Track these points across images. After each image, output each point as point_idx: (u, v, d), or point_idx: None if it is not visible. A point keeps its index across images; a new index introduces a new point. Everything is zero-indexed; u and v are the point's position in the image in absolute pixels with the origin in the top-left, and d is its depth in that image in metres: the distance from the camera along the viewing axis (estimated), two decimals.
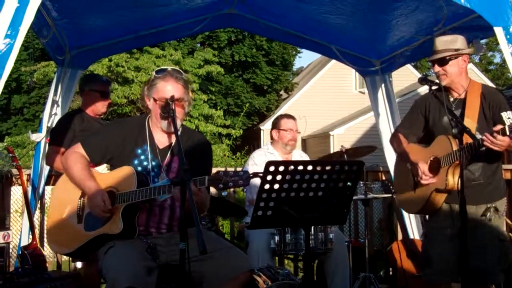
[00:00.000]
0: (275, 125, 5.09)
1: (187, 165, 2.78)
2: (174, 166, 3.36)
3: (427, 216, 4.26)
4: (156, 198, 3.20)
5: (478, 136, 3.36)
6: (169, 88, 3.25)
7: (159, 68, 3.42)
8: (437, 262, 3.65)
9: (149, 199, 3.17)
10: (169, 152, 3.37)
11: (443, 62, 3.62)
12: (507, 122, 3.27)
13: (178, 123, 3.22)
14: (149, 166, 3.31)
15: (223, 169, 3.06)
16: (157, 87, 3.29)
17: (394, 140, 4.02)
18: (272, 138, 5.14)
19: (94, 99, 4.83)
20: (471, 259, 3.30)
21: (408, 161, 3.83)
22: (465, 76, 3.69)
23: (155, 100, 3.29)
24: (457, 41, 3.63)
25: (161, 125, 3.31)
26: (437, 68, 3.65)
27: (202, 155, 3.46)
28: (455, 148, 3.45)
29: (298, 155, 5.20)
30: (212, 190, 5.36)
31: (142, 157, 3.33)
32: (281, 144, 5.02)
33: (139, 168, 3.30)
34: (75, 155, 3.35)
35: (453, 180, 3.51)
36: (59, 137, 4.70)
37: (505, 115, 3.37)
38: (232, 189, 6.21)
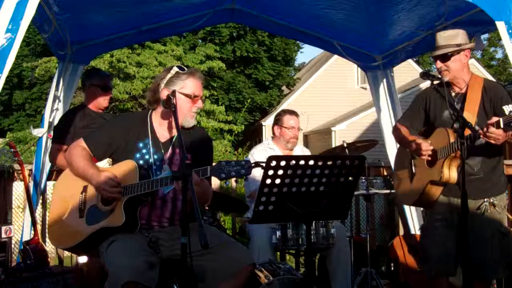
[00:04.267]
0: (277, 121, 5.07)
1: (189, 159, 2.80)
2: (177, 159, 3.38)
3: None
4: (160, 190, 3.22)
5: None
6: (199, 86, 3.37)
7: (179, 65, 3.47)
8: (432, 255, 3.65)
9: (151, 192, 3.19)
10: (171, 145, 3.39)
11: (445, 58, 3.62)
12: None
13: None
14: (151, 160, 3.34)
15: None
16: (186, 83, 3.34)
17: (396, 131, 4.03)
18: (273, 133, 5.12)
19: (95, 93, 4.84)
20: (470, 254, 3.29)
21: (407, 145, 3.83)
22: (467, 70, 3.69)
23: (184, 94, 3.33)
24: (458, 36, 3.62)
25: (184, 120, 3.37)
26: (439, 64, 3.65)
27: (203, 149, 3.49)
28: (452, 140, 3.45)
29: (300, 150, 5.19)
30: (215, 185, 5.37)
31: (144, 150, 3.36)
32: (283, 141, 5.01)
33: (141, 162, 3.32)
34: (78, 149, 3.38)
35: (448, 172, 3.51)
36: (61, 134, 4.72)
37: (507, 108, 3.35)
38: (233, 185, 6.22)
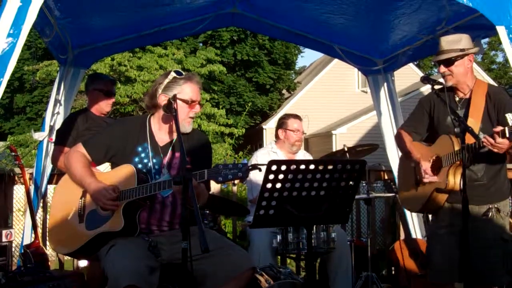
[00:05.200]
0: (282, 125, 5.07)
1: (188, 163, 2.80)
2: (176, 163, 3.38)
3: (430, 216, 4.25)
4: (159, 194, 3.21)
5: (481, 136, 3.34)
6: (196, 91, 3.37)
7: (176, 70, 3.46)
8: (438, 262, 3.64)
9: (150, 196, 3.19)
10: (170, 149, 3.39)
11: (448, 62, 3.60)
12: (511, 124, 3.24)
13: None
14: (150, 164, 3.34)
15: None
16: (183, 88, 3.33)
17: (399, 138, 4.01)
18: (277, 137, 5.11)
19: (98, 98, 4.88)
20: (473, 260, 3.27)
21: (411, 160, 3.82)
22: (470, 75, 3.67)
23: (182, 100, 3.31)
24: (462, 41, 3.60)
25: (187, 127, 3.37)
26: (442, 68, 3.63)
27: (202, 153, 3.48)
28: (456, 148, 3.43)
29: (302, 155, 5.20)
30: (215, 188, 5.37)
31: (143, 154, 3.35)
32: (287, 144, 5.01)
33: (140, 166, 3.32)
34: (76, 154, 3.38)
35: (453, 180, 3.50)
36: (63, 137, 4.74)
37: (509, 116, 3.33)
38: (234, 188, 6.22)
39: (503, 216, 3.59)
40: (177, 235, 3.12)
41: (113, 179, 3.30)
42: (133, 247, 3.12)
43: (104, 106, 4.90)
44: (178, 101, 3.29)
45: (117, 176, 3.29)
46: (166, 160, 3.37)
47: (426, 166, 3.64)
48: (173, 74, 3.37)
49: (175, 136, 3.39)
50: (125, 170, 3.28)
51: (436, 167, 3.64)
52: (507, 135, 3.13)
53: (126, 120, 3.89)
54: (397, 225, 6.17)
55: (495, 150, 3.24)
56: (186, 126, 3.36)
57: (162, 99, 3.34)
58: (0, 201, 5.54)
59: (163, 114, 3.36)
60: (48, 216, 5.30)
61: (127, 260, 3.00)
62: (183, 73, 3.42)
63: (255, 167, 2.92)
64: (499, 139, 3.17)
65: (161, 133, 3.43)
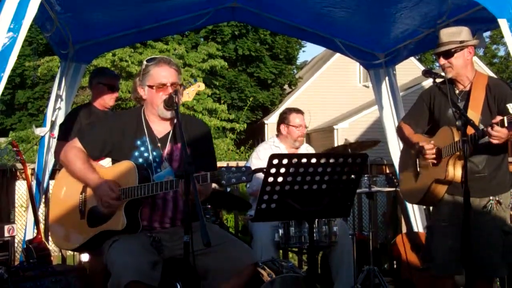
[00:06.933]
0: (284, 120, 5.02)
1: (188, 152, 2.77)
2: (176, 154, 3.33)
3: (431, 209, 4.25)
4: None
5: (481, 128, 3.33)
6: (163, 74, 3.25)
7: (149, 57, 3.39)
8: (438, 254, 3.64)
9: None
10: (168, 140, 3.34)
11: (448, 54, 3.60)
12: None
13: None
14: (150, 157, 3.28)
15: (225, 164, 3.06)
16: (151, 74, 3.27)
17: (400, 130, 4.01)
18: (279, 131, 5.08)
19: (102, 92, 4.86)
20: (473, 253, 3.27)
21: (411, 146, 3.82)
22: (470, 68, 3.67)
23: (150, 87, 3.27)
24: (461, 33, 3.61)
25: (158, 111, 3.29)
26: (442, 60, 3.63)
27: (201, 140, 3.41)
28: (456, 138, 3.43)
29: (305, 149, 5.16)
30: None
31: (142, 148, 3.29)
32: (290, 139, 4.97)
33: (140, 160, 3.27)
34: (74, 150, 3.31)
35: (453, 170, 3.49)
36: (66, 132, 4.74)
37: (510, 106, 3.33)
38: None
39: (504, 208, 3.59)
40: (179, 232, 3.10)
41: (113, 175, 3.24)
42: (135, 243, 3.09)
43: (107, 101, 4.89)
44: (149, 88, 3.27)
45: (117, 173, 3.24)
46: (166, 152, 3.32)
47: (426, 145, 3.62)
48: (144, 63, 3.33)
49: (171, 127, 3.35)
50: (125, 166, 3.22)
51: (437, 159, 3.63)
52: (506, 124, 3.12)
53: (122, 113, 3.84)
54: (399, 219, 6.18)
55: (495, 141, 3.23)
56: (165, 111, 3.27)
57: (140, 91, 3.32)
58: (3, 197, 5.56)
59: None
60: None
61: (129, 256, 2.98)
62: (156, 57, 3.35)
63: (259, 170, 2.92)
64: (496, 127, 3.16)
65: (157, 124, 3.35)
